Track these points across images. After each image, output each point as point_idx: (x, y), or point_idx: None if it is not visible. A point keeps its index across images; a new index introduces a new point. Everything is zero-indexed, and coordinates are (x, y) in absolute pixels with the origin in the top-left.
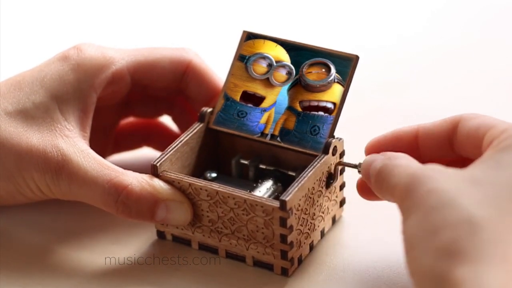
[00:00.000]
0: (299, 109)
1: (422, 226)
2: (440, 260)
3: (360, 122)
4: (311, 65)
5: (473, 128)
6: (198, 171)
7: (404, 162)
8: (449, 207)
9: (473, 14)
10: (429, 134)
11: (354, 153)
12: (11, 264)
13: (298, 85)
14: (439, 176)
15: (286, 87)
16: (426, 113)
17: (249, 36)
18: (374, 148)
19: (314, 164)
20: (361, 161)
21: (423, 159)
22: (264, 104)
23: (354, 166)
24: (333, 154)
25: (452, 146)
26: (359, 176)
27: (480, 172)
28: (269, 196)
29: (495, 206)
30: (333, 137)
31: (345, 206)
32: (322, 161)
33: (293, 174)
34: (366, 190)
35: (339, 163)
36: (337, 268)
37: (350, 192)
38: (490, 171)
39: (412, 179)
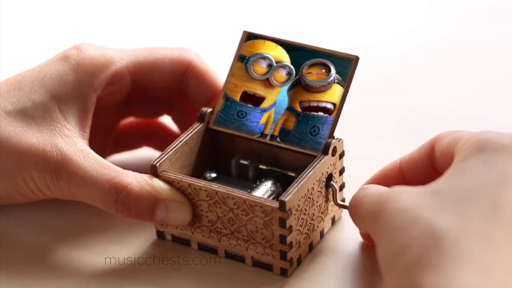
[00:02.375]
0: (299, 110)
1: (391, 249)
2: (410, 275)
3: (360, 123)
4: (311, 65)
5: (445, 146)
6: (197, 171)
7: (371, 191)
8: (412, 224)
9: (470, 10)
10: (410, 164)
11: (354, 153)
12: (11, 264)
13: (298, 85)
14: (400, 197)
15: (286, 87)
16: (428, 112)
17: (249, 37)
18: None
19: (314, 165)
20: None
21: None
22: (264, 105)
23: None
24: (333, 155)
25: (435, 168)
26: (358, 176)
27: (441, 183)
28: (269, 197)
29: (454, 212)
30: (333, 137)
31: None
32: (321, 161)
33: (293, 174)
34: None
35: (337, 204)
36: (337, 268)
37: (350, 192)
38: (450, 180)
39: (376, 205)
